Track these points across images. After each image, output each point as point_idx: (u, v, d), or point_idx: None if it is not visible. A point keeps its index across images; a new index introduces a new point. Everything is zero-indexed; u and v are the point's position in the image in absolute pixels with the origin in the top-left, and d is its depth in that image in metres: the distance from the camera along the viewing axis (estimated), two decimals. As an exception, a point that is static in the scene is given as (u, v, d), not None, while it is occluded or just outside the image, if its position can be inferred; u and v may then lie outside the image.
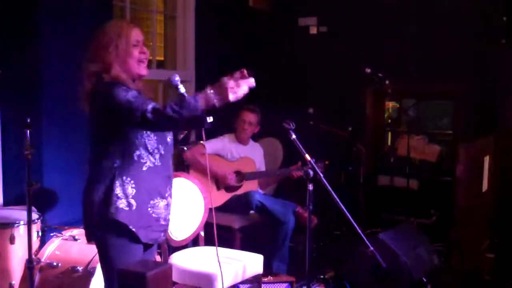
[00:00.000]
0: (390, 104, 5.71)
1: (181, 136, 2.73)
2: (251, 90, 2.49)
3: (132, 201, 2.46)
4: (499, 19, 4.75)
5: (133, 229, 2.46)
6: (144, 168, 2.49)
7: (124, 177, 2.46)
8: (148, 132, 2.49)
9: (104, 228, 2.49)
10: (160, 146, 2.55)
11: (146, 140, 2.50)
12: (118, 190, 2.44)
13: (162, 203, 2.58)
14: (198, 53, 5.36)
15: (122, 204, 2.44)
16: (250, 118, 4.62)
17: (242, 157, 4.63)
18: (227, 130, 4.73)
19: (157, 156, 2.53)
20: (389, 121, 5.67)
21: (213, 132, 4.67)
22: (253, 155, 4.70)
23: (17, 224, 3.32)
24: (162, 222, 2.60)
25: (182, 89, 2.51)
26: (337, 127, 5.10)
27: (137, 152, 2.49)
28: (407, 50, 5.14)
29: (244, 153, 4.67)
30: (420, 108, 5.46)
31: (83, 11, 4.07)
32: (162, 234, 2.64)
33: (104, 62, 2.47)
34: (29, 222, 3.09)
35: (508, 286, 4.19)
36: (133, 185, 2.47)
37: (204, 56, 5.38)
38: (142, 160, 2.49)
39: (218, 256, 2.92)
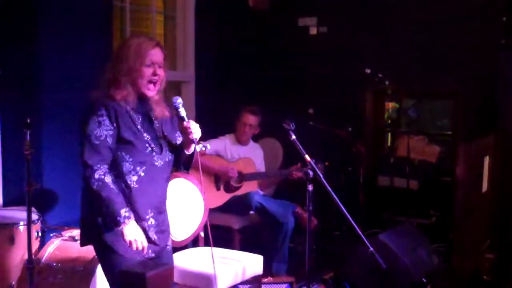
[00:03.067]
0: (390, 105, 5.70)
1: (187, 151, 2.69)
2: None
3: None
4: (498, 19, 4.74)
5: (119, 251, 2.52)
6: (122, 186, 2.52)
7: None
8: (123, 153, 2.52)
9: (97, 246, 2.60)
10: (138, 168, 2.55)
11: (121, 163, 2.53)
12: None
13: (141, 224, 2.56)
14: (198, 53, 5.36)
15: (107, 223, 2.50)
16: (251, 120, 4.62)
17: (242, 157, 4.63)
18: (228, 130, 4.74)
19: (134, 178, 2.54)
20: (389, 121, 5.67)
21: (213, 133, 4.68)
22: (253, 155, 4.71)
23: (17, 225, 3.32)
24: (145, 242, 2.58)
25: (182, 112, 2.61)
26: (337, 128, 5.10)
27: (115, 172, 2.53)
28: (407, 50, 5.13)
29: (244, 153, 4.67)
30: (420, 109, 5.46)
31: (83, 11, 4.08)
32: (150, 251, 2.61)
33: (114, 74, 2.53)
34: (29, 223, 3.09)
35: (508, 287, 4.19)
36: None
37: (204, 57, 5.38)
38: (120, 179, 2.52)
39: (213, 257, 2.93)
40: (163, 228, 2.69)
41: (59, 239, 3.43)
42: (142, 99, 2.59)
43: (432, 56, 5.04)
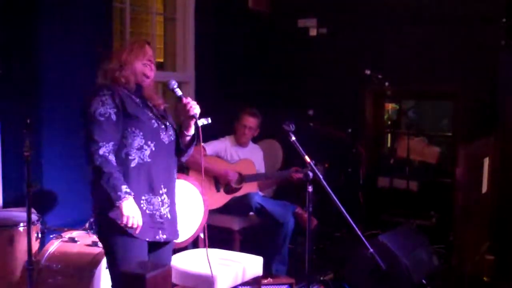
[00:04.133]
0: (390, 106, 5.70)
1: (187, 132, 2.78)
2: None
3: None
4: (498, 20, 4.75)
5: (122, 224, 2.53)
6: (133, 165, 2.59)
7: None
8: (133, 129, 2.60)
9: (102, 224, 2.62)
10: (149, 142, 2.63)
11: (133, 138, 2.60)
12: None
13: (155, 200, 2.64)
14: (198, 55, 5.36)
15: None
16: (251, 122, 4.62)
17: (242, 159, 4.63)
18: (228, 131, 4.74)
19: (147, 152, 2.62)
20: (389, 122, 5.67)
21: (213, 132, 4.68)
22: (253, 157, 4.70)
23: (16, 226, 3.31)
24: (158, 219, 2.65)
25: (178, 92, 2.78)
26: (336, 129, 5.11)
27: (124, 150, 2.60)
28: (407, 51, 5.13)
29: (244, 155, 4.67)
30: (420, 110, 5.46)
31: (83, 12, 4.08)
32: (160, 231, 2.67)
33: (120, 60, 2.68)
34: (29, 224, 3.08)
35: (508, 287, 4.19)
36: (125, 180, 2.55)
37: (204, 58, 5.37)
38: (130, 157, 2.59)
39: (208, 259, 2.94)
40: (174, 219, 2.75)
41: (59, 240, 3.43)
42: (139, 90, 2.74)
43: (432, 57, 5.04)
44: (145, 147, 2.61)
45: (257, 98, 5.38)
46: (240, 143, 4.69)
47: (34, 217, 3.36)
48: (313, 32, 5.65)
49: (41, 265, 3.27)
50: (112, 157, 2.53)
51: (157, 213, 2.65)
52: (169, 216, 2.70)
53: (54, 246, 3.39)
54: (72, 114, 4.00)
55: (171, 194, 2.73)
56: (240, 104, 4.79)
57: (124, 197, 2.49)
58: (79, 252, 3.28)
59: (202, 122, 2.72)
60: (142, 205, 2.60)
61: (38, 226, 3.43)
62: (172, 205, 2.74)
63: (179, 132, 2.80)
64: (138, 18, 5.41)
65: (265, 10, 5.81)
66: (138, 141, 2.60)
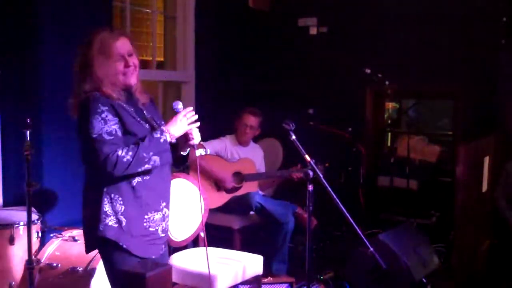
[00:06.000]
0: (390, 105, 5.70)
1: (184, 152, 2.65)
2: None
3: (122, 218, 2.44)
4: (499, 19, 4.74)
5: (124, 246, 2.45)
6: (134, 184, 2.46)
7: (113, 195, 2.43)
8: (132, 147, 2.41)
9: (99, 245, 2.51)
10: None
11: None
12: (106, 208, 2.43)
13: (157, 216, 2.55)
14: (198, 53, 5.36)
15: (111, 221, 2.43)
16: (252, 121, 4.62)
17: (242, 158, 4.63)
18: (228, 130, 4.73)
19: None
20: (389, 121, 5.67)
21: (214, 132, 4.68)
22: (253, 156, 4.71)
23: (16, 225, 3.31)
24: (161, 234, 2.59)
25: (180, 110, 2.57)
26: (337, 128, 5.10)
27: None
28: (407, 50, 5.13)
29: (244, 154, 4.67)
30: (420, 109, 5.46)
31: (83, 11, 4.07)
32: (163, 246, 2.62)
33: (93, 80, 2.43)
34: (29, 223, 3.08)
35: (508, 287, 4.19)
36: (121, 202, 2.44)
37: (204, 57, 5.37)
38: (130, 177, 2.44)
39: (207, 258, 2.91)
40: (167, 223, 2.66)
41: (59, 239, 3.43)
42: (126, 91, 2.52)
43: (432, 56, 5.04)
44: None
45: (257, 97, 5.38)
46: (241, 142, 4.69)
47: (34, 216, 3.36)
48: (313, 31, 5.65)
49: (41, 264, 3.27)
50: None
51: (160, 228, 2.57)
52: (167, 228, 2.63)
53: (54, 245, 3.39)
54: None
55: (167, 203, 2.63)
56: (240, 103, 4.80)
57: (163, 131, 2.41)
58: (79, 251, 3.28)
59: (200, 152, 2.62)
60: (145, 223, 2.50)
61: (38, 225, 3.44)
62: (168, 215, 2.65)
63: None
64: (138, 17, 5.40)
65: (265, 8, 5.81)
66: None
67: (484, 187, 4.46)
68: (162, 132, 2.43)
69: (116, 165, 2.32)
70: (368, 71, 5.06)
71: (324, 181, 2.95)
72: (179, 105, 2.59)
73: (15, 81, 3.84)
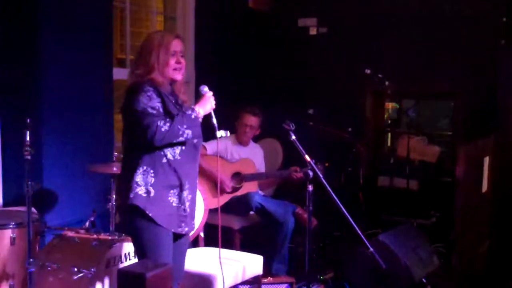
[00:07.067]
0: (390, 105, 5.70)
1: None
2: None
3: (151, 189, 2.70)
4: (498, 19, 4.75)
5: (150, 214, 2.69)
6: (164, 161, 2.73)
7: (146, 167, 2.71)
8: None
9: (127, 212, 2.75)
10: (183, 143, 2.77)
11: None
12: (138, 178, 2.70)
13: (181, 194, 2.77)
14: (198, 54, 5.36)
15: (140, 190, 2.70)
16: (252, 121, 4.62)
17: (242, 158, 4.63)
18: (228, 130, 4.73)
19: (177, 151, 2.75)
20: (389, 122, 5.67)
21: (213, 133, 4.67)
22: (253, 156, 4.70)
23: (17, 225, 3.31)
24: (182, 213, 2.79)
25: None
26: (337, 128, 5.10)
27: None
28: (407, 50, 5.13)
29: (244, 154, 4.66)
30: (420, 109, 5.46)
31: (83, 12, 4.08)
32: (183, 224, 2.81)
33: (147, 65, 2.76)
34: (29, 223, 3.09)
35: (508, 287, 4.19)
36: (152, 175, 2.71)
37: (204, 57, 5.37)
38: (162, 153, 2.72)
39: (220, 257, 2.94)
40: (192, 212, 2.88)
41: (59, 239, 3.43)
42: (170, 85, 2.85)
43: (432, 56, 5.04)
44: (177, 145, 2.74)
45: (257, 97, 5.38)
46: (241, 142, 4.68)
47: (34, 216, 3.36)
48: (313, 31, 5.65)
49: (41, 264, 3.27)
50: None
51: (182, 206, 2.79)
52: (189, 210, 2.84)
53: (54, 245, 3.39)
54: (72, 114, 4.03)
55: (193, 190, 2.86)
56: (240, 103, 4.79)
57: (193, 111, 2.73)
58: (79, 251, 3.29)
59: (220, 134, 2.89)
60: (170, 198, 2.74)
61: (38, 225, 3.44)
62: (192, 201, 2.87)
63: None
64: (138, 17, 5.40)
65: (265, 9, 5.81)
66: None
67: (484, 187, 4.47)
68: (193, 109, 2.75)
69: (156, 134, 2.60)
70: (368, 71, 5.06)
71: (324, 181, 2.95)
72: (206, 88, 2.91)
73: (15, 81, 3.84)
